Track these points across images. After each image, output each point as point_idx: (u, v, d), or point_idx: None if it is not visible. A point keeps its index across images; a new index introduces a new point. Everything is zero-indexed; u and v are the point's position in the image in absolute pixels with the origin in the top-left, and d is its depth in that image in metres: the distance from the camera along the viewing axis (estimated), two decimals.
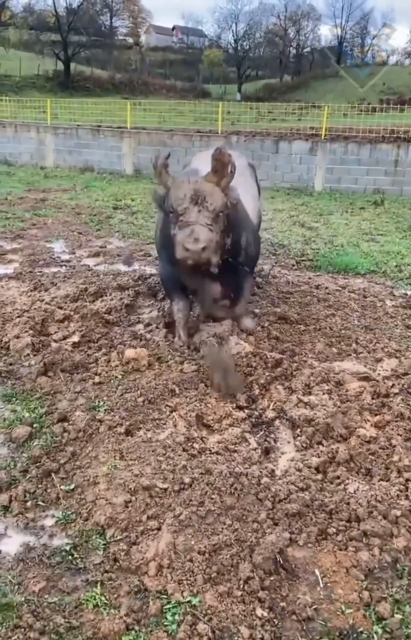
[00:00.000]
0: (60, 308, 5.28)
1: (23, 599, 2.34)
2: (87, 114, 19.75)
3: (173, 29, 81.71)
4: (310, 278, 6.68)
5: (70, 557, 2.59)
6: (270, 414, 3.74)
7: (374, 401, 3.79)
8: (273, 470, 3.16)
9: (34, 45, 58.22)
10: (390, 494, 2.90)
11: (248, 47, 67.20)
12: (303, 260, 7.53)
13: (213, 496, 2.86)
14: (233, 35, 66.59)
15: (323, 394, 3.90)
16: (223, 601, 2.34)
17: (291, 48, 70.00)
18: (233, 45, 66.83)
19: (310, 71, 64.98)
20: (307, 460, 3.23)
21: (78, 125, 17.89)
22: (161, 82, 56.22)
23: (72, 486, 3.02)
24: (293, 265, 7.31)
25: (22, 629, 2.20)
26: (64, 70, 50.32)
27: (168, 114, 21.77)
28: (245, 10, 65.34)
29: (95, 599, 2.36)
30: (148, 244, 8.19)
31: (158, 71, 62.16)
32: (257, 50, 69.47)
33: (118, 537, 2.68)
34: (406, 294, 6.21)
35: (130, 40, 70.49)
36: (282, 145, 15.13)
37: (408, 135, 14.28)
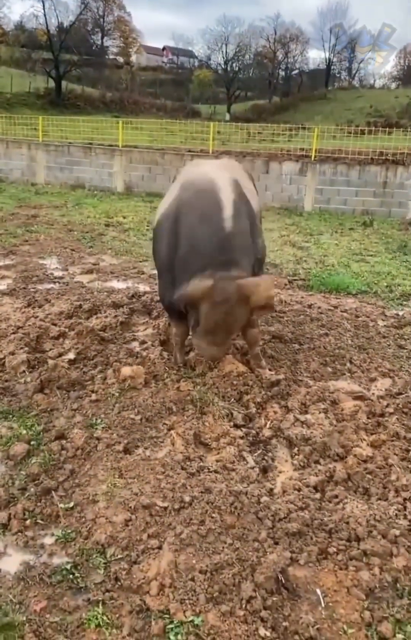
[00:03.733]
0: (55, 325, 5.29)
1: (25, 618, 2.33)
2: (78, 132, 19.89)
3: (163, 49, 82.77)
4: (302, 297, 6.75)
5: (71, 576, 2.58)
6: (267, 432, 3.76)
7: (370, 420, 3.83)
8: (271, 489, 3.17)
9: (25, 62, 58.60)
10: (388, 513, 2.92)
11: (237, 68, 68.09)
12: (295, 280, 7.61)
13: (213, 515, 2.87)
14: (222, 57, 67.45)
15: (319, 412, 3.93)
16: (225, 621, 2.34)
17: (280, 70, 71.07)
18: (222, 66, 67.67)
19: (299, 93, 65.87)
20: (305, 479, 3.25)
21: (70, 143, 18.00)
22: (151, 101, 56.71)
23: (71, 504, 3.01)
24: (286, 285, 7.38)
25: None
26: (55, 88, 50.65)
27: (159, 132, 21.97)
28: (234, 33, 66.10)
29: (97, 618, 2.35)
30: (141, 261, 8.24)
31: (149, 90, 62.73)
32: (246, 72, 70.42)
33: (119, 556, 2.67)
34: (398, 314, 6.29)
35: (121, 59, 71.28)
36: (273, 165, 15.31)
37: (397, 157, 14.52)
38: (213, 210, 3.79)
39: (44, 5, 53.38)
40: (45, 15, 53.81)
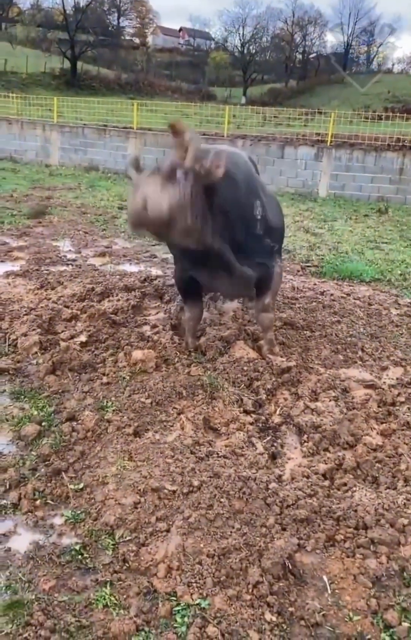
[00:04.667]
0: (67, 307, 5.29)
1: (33, 596, 2.35)
2: (93, 113, 19.77)
3: (180, 30, 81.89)
4: (315, 284, 6.71)
5: (79, 556, 2.60)
6: (276, 419, 3.76)
7: (380, 409, 3.82)
8: (280, 476, 3.18)
9: (41, 42, 58.17)
10: (397, 502, 2.92)
11: (254, 51, 67.32)
12: (308, 266, 7.57)
13: (221, 500, 2.87)
14: (239, 39, 66.74)
15: (330, 400, 3.92)
16: (232, 605, 2.36)
17: (297, 53, 70.17)
18: (239, 48, 66.94)
19: (316, 77, 65.09)
20: (314, 466, 3.25)
21: (84, 124, 17.91)
22: (166, 83, 56.25)
23: (81, 485, 3.03)
24: (299, 271, 7.35)
25: (33, 627, 2.21)
26: (70, 69, 50.33)
27: (174, 115, 21.79)
28: (252, 14, 65.42)
29: (105, 599, 2.37)
30: (153, 245, 8.21)
31: (164, 72, 62.22)
32: (263, 55, 69.62)
33: (128, 538, 2.69)
34: None
35: (137, 40, 70.62)
36: (288, 150, 15.17)
37: None
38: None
39: None
40: None
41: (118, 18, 66.15)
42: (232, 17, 66.82)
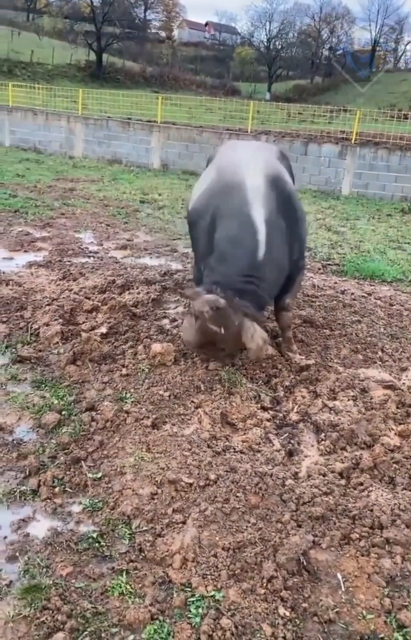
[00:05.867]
0: (88, 298, 5.32)
1: (51, 582, 2.39)
2: (117, 106, 19.81)
3: (206, 24, 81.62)
4: (335, 283, 6.70)
5: (96, 544, 2.64)
6: (294, 416, 3.77)
7: (399, 410, 3.81)
8: (296, 473, 3.19)
9: (67, 34, 58.42)
10: None
11: (280, 46, 67.02)
12: (329, 265, 7.55)
13: (238, 494, 2.89)
14: (266, 34, 66.54)
15: (348, 400, 3.92)
16: (246, 598, 2.38)
17: (324, 50, 69.74)
18: (265, 44, 66.67)
19: (342, 74, 64.63)
20: (331, 465, 3.26)
21: (108, 117, 17.95)
22: (191, 77, 56.20)
23: (99, 475, 3.07)
24: (319, 269, 7.33)
25: (50, 611, 2.25)
26: (96, 61, 50.42)
27: (198, 110, 21.78)
28: (279, 10, 65.40)
29: (120, 587, 2.41)
30: (174, 239, 8.23)
31: (189, 66, 62.15)
32: (289, 50, 69.29)
33: (144, 528, 2.72)
34: None
35: (163, 34, 70.60)
36: (311, 147, 15.11)
37: None
38: (245, 228, 3.88)
39: None
40: None
41: (145, 11, 66.16)
42: (258, 12, 66.65)
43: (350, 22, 66.84)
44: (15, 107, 19.10)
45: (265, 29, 66.39)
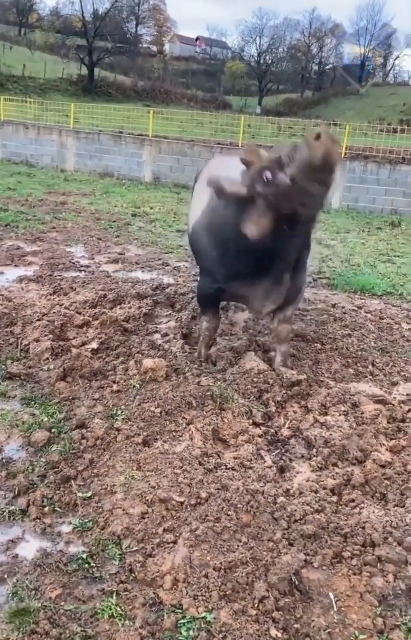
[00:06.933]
0: (79, 313, 5.31)
1: (40, 604, 2.36)
2: (109, 120, 19.91)
3: (197, 39, 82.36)
4: (326, 296, 6.72)
5: (86, 565, 2.61)
6: (285, 432, 3.76)
7: (390, 425, 3.81)
8: (288, 490, 3.17)
9: (59, 48, 58.83)
10: (405, 520, 2.91)
11: (270, 61, 67.74)
12: (319, 278, 7.57)
13: (229, 512, 2.87)
14: (256, 49, 67.24)
15: (339, 415, 3.92)
16: (237, 619, 2.35)
17: (313, 64, 70.50)
18: (255, 58, 67.37)
19: (331, 88, 65.36)
20: (323, 481, 3.24)
21: (100, 131, 18.03)
22: (183, 91, 56.60)
23: (89, 494, 3.04)
24: (310, 283, 7.34)
25: (39, 635, 2.22)
26: (87, 75, 50.73)
27: (189, 123, 21.92)
28: (269, 25, 65.81)
29: (110, 609, 2.37)
30: (166, 252, 8.24)
31: (180, 80, 62.60)
32: (279, 65, 70.03)
33: (134, 548, 2.69)
34: None
35: (154, 48, 71.18)
36: None
37: None
38: None
39: None
40: (80, 1, 53.95)
41: (137, 26, 66.72)
42: (249, 27, 67.24)
43: (339, 37, 67.63)
44: (7, 121, 19.16)
45: (256, 43, 67.18)
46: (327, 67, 71.19)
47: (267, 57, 67.13)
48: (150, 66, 63.40)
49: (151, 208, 11.76)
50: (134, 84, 53.73)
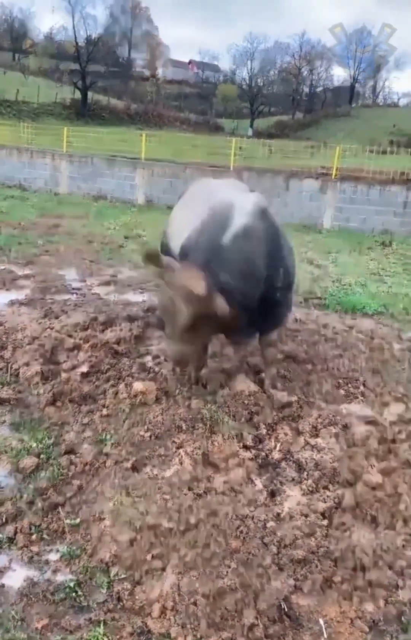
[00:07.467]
0: (70, 336, 5.31)
1: (26, 636, 2.33)
2: (102, 143, 20.10)
3: (189, 63, 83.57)
4: (317, 316, 6.73)
5: (73, 594, 2.58)
6: (276, 455, 3.74)
7: (380, 447, 3.80)
8: (278, 514, 3.15)
9: (52, 73, 59.67)
10: (395, 543, 2.90)
11: (262, 83, 68.69)
12: (311, 298, 7.59)
13: (218, 538, 2.85)
14: (247, 72, 68.19)
15: (330, 437, 3.90)
16: None
17: (304, 86, 71.54)
18: (247, 81, 68.32)
19: (322, 109, 66.27)
20: (313, 504, 3.22)
21: (93, 154, 18.19)
22: (175, 114, 57.36)
23: (77, 521, 3.02)
24: (301, 303, 7.37)
25: None
26: (81, 99, 51.41)
27: (182, 147, 22.15)
28: (260, 49, 66.81)
29: (98, 639, 2.34)
30: None
31: (173, 103, 63.47)
32: (271, 87, 71.02)
33: (123, 576, 2.67)
34: None
35: (147, 72, 72.10)
36: (293, 182, 15.35)
37: None
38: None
39: (73, 18, 54.45)
40: (74, 27, 54.84)
41: (129, 50, 67.68)
42: (240, 51, 68.26)
43: (328, 60, 68.70)
44: (0, 145, 19.34)
45: (247, 67, 68.14)
46: (318, 89, 72.30)
47: (258, 80, 68.09)
48: (143, 90, 64.28)
49: (144, 230, 11.82)
50: (127, 107, 54.46)
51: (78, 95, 52.26)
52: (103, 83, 57.57)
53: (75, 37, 55.56)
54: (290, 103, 68.75)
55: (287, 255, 4.29)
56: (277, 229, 4.22)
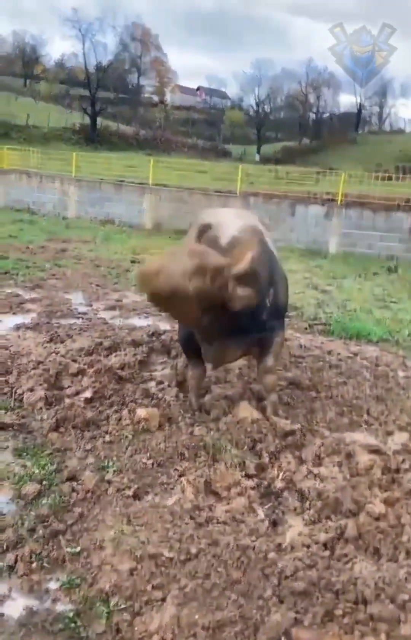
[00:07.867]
0: (75, 361, 5.34)
1: None
2: (110, 168, 20.40)
3: (197, 89, 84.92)
4: (322, 343, 6.75)
5: (73, 624, 2.56)
6: (279, 484, 3.72)
7: (384, 476, 3.78)
8: (280, 544, 3.13)
9: (63, 98, 60.75)
10: (398, 576, 2.86)
11: (269, 110, 69.79)
12: (316, 324, 7.61)
13: (219, 569, 2.83)
14: (255, 98, 69.25)
15: (334, 465, 3.89)
16: None
17: (311, 113, 72.54)
18: (254, 107, 69.42)
19: (329, 136, 67.05)
20: (315, 535, 3.20)
21: (101, 179, 18.45)
22: (183, 139, 58.16)
23: (78, 549, 3.00)
24: (306, 329, 7.39)
25: None
26: (90, 124, 52.25)
27: (189, 172, 22.43)
28: (267, 75, 67.89)
29: None
30: None
31: (181, 129, 64.37)
32: (278, 113, 72.10)
33: (122, 606, 2.65)
34: None
35: (156, 98, 73.27)
36: (299, 208, 15.50)
37: None
38: None
39: (83, 45, 55.62)
40: (84, 54, 55.98)
41: (139, 77, 68.83)
42: (247, 78, 69.36)
43: (335, 87, 69.69)
44: (10, 170, 19.65)
45: (254, 93, 69.21)
46: (324, 115, 73.25)
47: (265, 107, 69.22)
48: (151, 115, 65.26)
49: (151, 255, 11.92)
50: (136, 133, 55.30)
51: (87, 120, 53.15)
52: (113, 109, 58.56)
53: (85, 64, 56.74)
54: (296, 129, 69.62)
55: (279, 280, 4.33)
56: (271, 255, 4.27)
